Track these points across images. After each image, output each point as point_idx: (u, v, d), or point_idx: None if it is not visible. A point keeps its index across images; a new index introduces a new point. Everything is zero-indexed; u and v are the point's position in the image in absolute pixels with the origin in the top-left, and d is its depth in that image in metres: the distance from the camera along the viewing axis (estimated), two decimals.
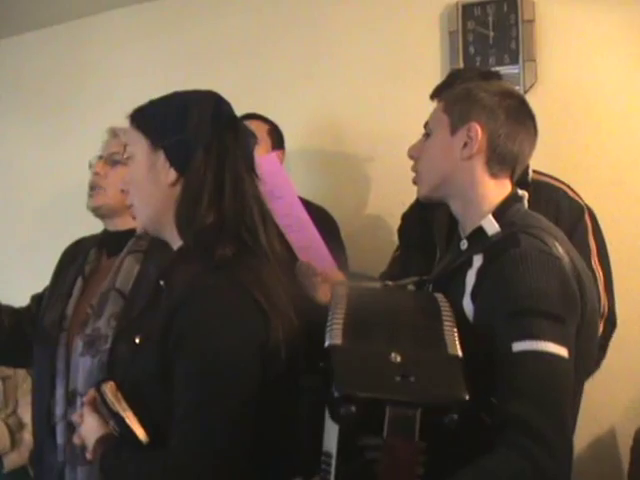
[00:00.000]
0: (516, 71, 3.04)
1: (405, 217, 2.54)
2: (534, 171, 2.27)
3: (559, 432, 1.35)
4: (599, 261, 2.19)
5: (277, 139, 3.00)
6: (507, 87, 1.77)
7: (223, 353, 1.42)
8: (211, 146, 1.57)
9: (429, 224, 2.15)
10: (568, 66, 3.01)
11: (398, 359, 1.28)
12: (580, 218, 2.22)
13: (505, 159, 1.67)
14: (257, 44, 3.63)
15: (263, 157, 2.06)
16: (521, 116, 1.69)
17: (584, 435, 2.77)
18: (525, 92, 2.99)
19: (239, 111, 2.89)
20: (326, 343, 1.32)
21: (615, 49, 2.95)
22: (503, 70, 3.02)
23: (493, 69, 2.99)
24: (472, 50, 3.16)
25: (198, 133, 1.57)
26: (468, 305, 1.52)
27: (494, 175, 1.67)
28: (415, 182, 1.84)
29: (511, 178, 1.70)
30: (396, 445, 1.24)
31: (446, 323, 1.40)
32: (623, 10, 2.93)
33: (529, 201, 1.74)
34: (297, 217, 2.12)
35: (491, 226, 1.61)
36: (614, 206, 2.87)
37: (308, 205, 2.31)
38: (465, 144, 1.65)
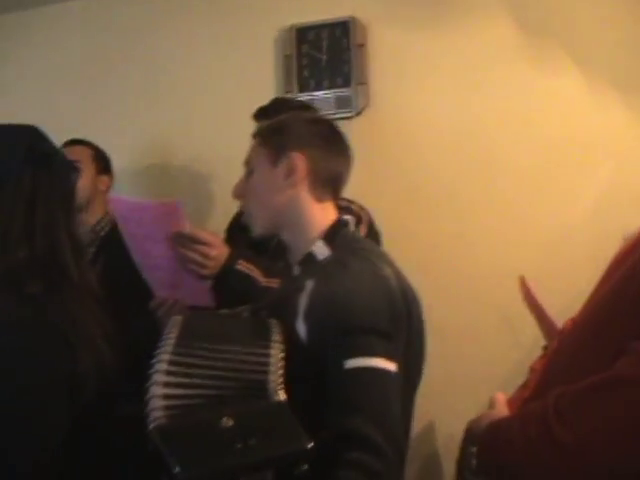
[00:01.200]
0: (348, 94, 3.11)
1: (228, 231, 2.59)
2: None
3: (392, 443, 1.40)
4: None
5: (102, 164, 2.96)
6: (316, 115, 1.87)
7: (25, 387, 1.40)
8: (22, 182, 1.55)
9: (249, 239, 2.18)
10: (399, 89, 3.12)
11: (230, 423, 1.26)
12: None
13: (327, 182, 1.72)
14: (92, 67, 3.57)
15: (163, 203, 2.04)
16: (334, 140, 1.76)
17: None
18: (357, 114, 3.09)
19: (73, 134, 2.89)
20: (150, 426, 1.27)
21: (444, 72, 3.08)
22: (336, 93, 3.11)
23: (326, 92, 3.09)
24: (306, 73, 3.21)
25: (9, 168, 1.55)
26: (301, 327, 1.54)
27: (319, 199, 1.71)
28: (248, 222, 1.84)
29: (334, 200, 1.75)
30: None
31: (272, 359, 1.40)
32: (451, 35, 3.07)
33: None
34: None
35: (321, 251, 1.66)
36: (448, 224, 3.00)
37: None
38: (288, 174, 1.69)
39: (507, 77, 2.99)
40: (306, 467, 1.25)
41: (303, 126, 1.74)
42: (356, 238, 1.75)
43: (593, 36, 2.88)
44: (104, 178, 2.95)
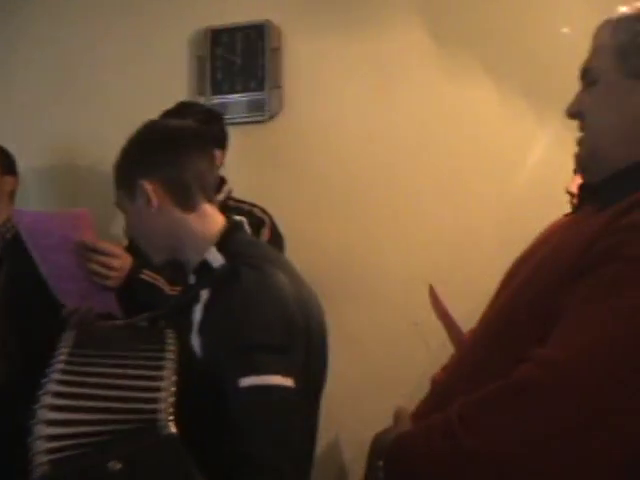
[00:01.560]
0: (262, 98, 3.08)
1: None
2: (235, 199, 2.43)
3: (293, 462, 1.40)
4: None
5: (6, 164, 2.86)
6: (153, 124, 1.83)
7: None
8: None
9: None
10: (313, 94, 3.11)
11: (118, 467, 1.20)
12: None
13: (189, 189, 1.68)
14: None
15: (70, 213, 2.01)
16: (177, 144, 1.71)
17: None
18: (270, 119, 3.08)
19: None
20: (34, 474, 1.21)
21: (358, 78, 3.08)
22: (249, 97, 3.08)
23: (240, 95, 3.05)
24: (220, 76, 3.17)
25: None
26: (196, 340, 1.52)
27: (191, 209, 1.67)
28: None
29: (210, 201, 1.72)
30: None
31: (164, 383, 1.35)
32: (366, 42, 3.07)
33: None
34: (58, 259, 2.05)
35: (215, 259, 1.62)
36: (358, 228, 3.01)
37: None
38: (147, 203, 1.66)
39: (420, 85, 3.01)
40: None
41: (138, 148, 1.73)
42: (251, 242, 1.73)
43: (506, 48, 2.92)
44: (9, 179, 2.86)
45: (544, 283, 1.24)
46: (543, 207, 2.65)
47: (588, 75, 1.38)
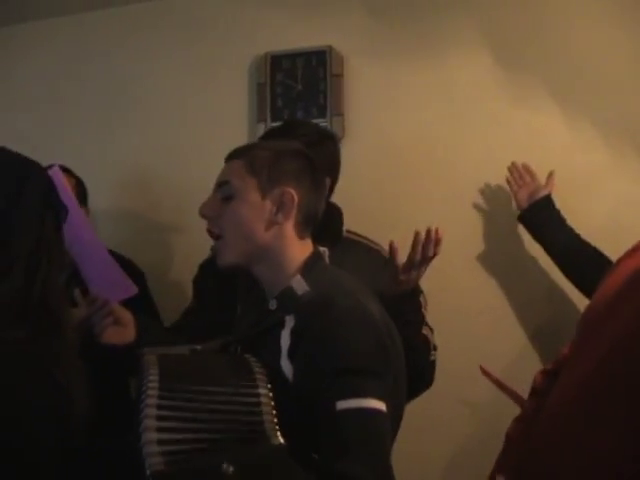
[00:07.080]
0: (324, 125, 3.00)
1: (202, 267, 2.45)
2: (348, 231, 2.33)
3: None
4: None
5: (82, 194, 2.78)
6: (303, 149, 1.78)
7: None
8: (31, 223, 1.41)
9: (227, 276, 2.04)
10: (374, 121, 3.05)
11: (231, 470, 1.21)
12: None
13: (311, 220, 1.70)
14: (59, 87, 3.46)
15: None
16: (316, 176, 1.73)
17: None
18: None
19: (34, 156, 2.76)
20: (147, 471, 1.20)
21: (421, 106, 3.02)
22: None
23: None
24: (280, 103, 3.11)
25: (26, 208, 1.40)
26: (286, 365, 1.52)
27: (301, 236, 1.68)
28: (216, 248, 1.74)
29: (311, 235, 1.74)
30: None
31: (263, 399, 1.38)
32: (429, 70, 3.02)
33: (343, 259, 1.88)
34: (87, 241, 2.15)
35: (301, 286, 1.61)
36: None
37: (113, 256, 2.29)
38: (278, 209, 1.64)
39: (486, 113, 2.94)
40: None
41: (294, 160, 1.69)
42: (335, 272, 1.71)
43: (573, 74, 2.85)
44: (83, 210, 2.75)
45: None
46: (618, 243, 2.55)
47: None
